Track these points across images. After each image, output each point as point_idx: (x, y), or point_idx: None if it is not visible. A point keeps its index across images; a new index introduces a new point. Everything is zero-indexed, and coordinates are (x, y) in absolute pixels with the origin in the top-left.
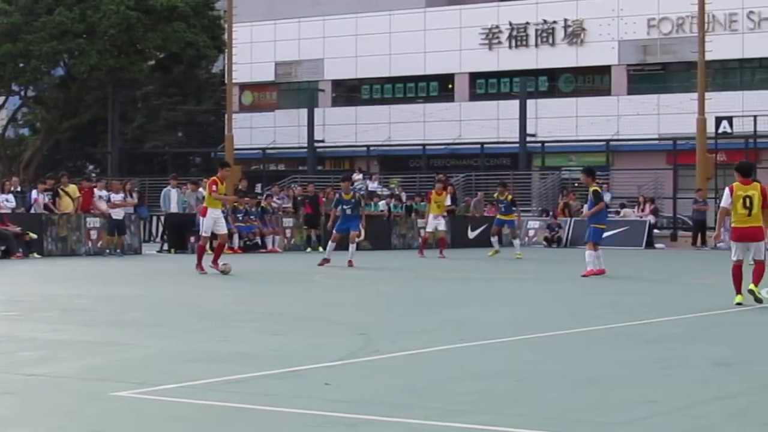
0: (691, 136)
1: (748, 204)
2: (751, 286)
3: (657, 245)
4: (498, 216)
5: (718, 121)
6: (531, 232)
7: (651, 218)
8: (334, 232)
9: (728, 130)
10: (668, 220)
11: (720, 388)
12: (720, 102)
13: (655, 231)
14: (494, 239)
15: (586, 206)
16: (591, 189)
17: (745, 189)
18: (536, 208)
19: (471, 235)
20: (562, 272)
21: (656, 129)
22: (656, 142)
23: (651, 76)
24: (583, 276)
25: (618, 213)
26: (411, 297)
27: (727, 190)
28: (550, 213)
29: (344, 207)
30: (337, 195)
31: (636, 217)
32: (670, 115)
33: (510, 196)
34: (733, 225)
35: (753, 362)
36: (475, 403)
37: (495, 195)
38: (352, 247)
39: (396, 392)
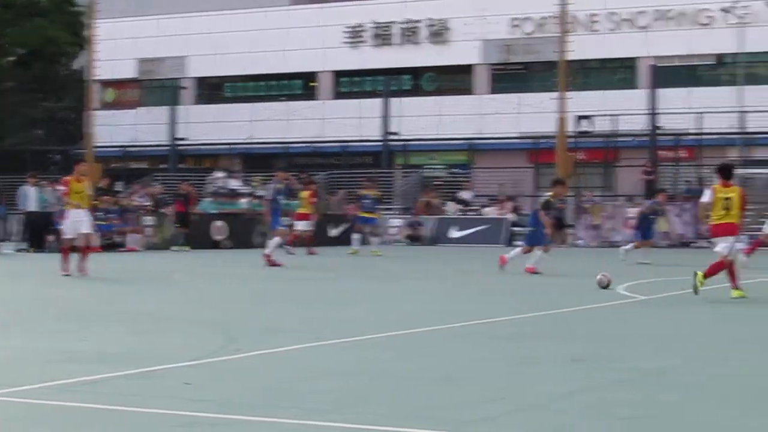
0: (552, 135)
1: (727, 206)
2: (700, 273)
3: (517, 243)
4: (362, 214)
5: (578, 119)
6: (393, 230)
7: (511, 216)
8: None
9: (588, 129)
10: (528, 217)
11: (576, 383)
12: (580, 101)
13: (516, 229)
14: (357, 237)
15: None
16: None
17: (726, 192)
18: (398, 206)
19: (332, 233)
20: (423, 270)
21: (518, 128)
22: (517, 140)
23: (513, 76)
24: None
25: (479, 211)
26: (274, 295)
27: (709, 190)
28: (412, 211)
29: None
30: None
31: (496, 215)
32: (532, 114)
33: (377, 192)
34: (712, 223)
35: (608, 358)
36: (330, 402)
37: (361, 191)
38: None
39: (255, 391)
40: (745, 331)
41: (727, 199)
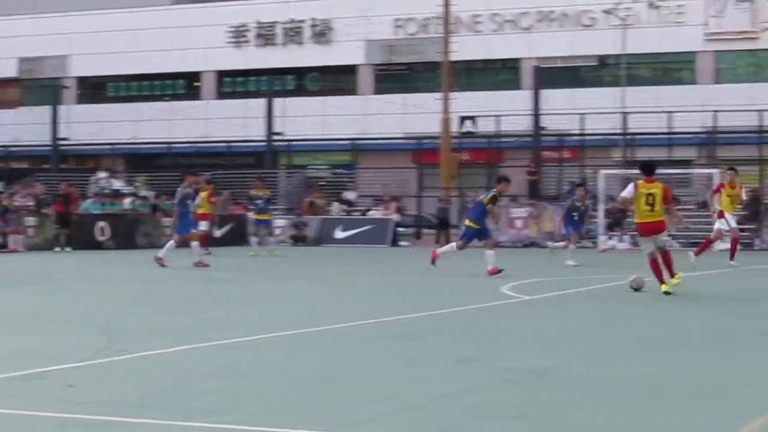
0: (436, 135)
1: (651, 201)
2: (674, 280)
3: (401, 243)
4: (255, 216)
5: (462, 120)
6: (277, 231)
7: (395, 216)
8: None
9: (472, 129)
10: (413, 218)
11: (460, 383)
12: (464, 102)
13: (400, 229)
14: (254, 239)
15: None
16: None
17: (649, 187)
18: (282, 207)
19: (217, 233)
20: (311, 271)
21: (402, 128)
22: (402, 141)
23: (397, 76)
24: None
25: (363, 212)
26: (161, 296)
27: (631, 185)
28: (296, 211)
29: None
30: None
31: (381, 216)
32: (416, 114)
33: (268, 192)
34: (637, 221)
35: (495, 358)
36: (217, 403)
37: (251, 191)
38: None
39: (140, 392)
40: (625, 330)
41: (650, 194)
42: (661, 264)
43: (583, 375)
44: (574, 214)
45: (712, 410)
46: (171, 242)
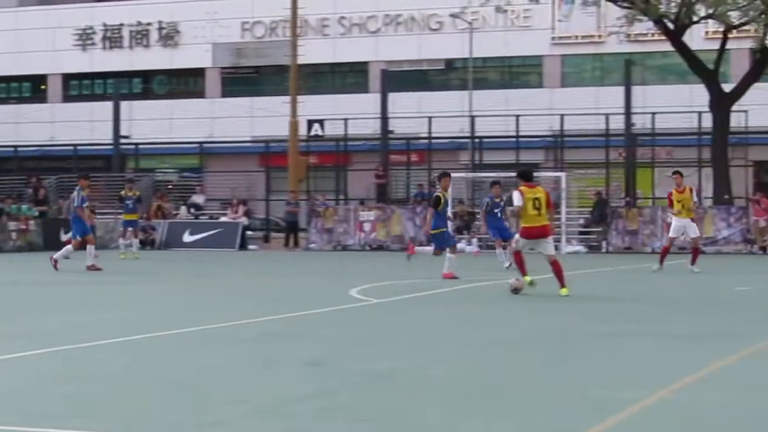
0: (284, 138)
1: (537, 205)
2: (563, 291)
3: (250, 247)
4: (125, 217)
5: (310, 123)
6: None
7: (244, 220)
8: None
9: (320, 132)
10: (261, 221)
11: (311, 386)
12: (312, 105)
13: (248, 233)
14: (123, 241)
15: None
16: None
17: (533, 192)
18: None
19: (64, 237)
20: (158, 274)
21: (250, 131)
22: (249, 144)
23: (245, 79)
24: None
25: (212, 215)
26: (8, 301)
27: (517, 193)
28: (144, 215)
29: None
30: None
31: (229, 219)
32: (264, 117)
33: (137, 192)
34: (523, 225)
35: (344, 360)
36: (67, 407)
37: (122, 192)
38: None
39: None
40: (475, 332)
41: (536, 199)
42: (553, 273)
43: (431, 377)
44: (496, 210)
45: (560, 412)
46: (69, 247)
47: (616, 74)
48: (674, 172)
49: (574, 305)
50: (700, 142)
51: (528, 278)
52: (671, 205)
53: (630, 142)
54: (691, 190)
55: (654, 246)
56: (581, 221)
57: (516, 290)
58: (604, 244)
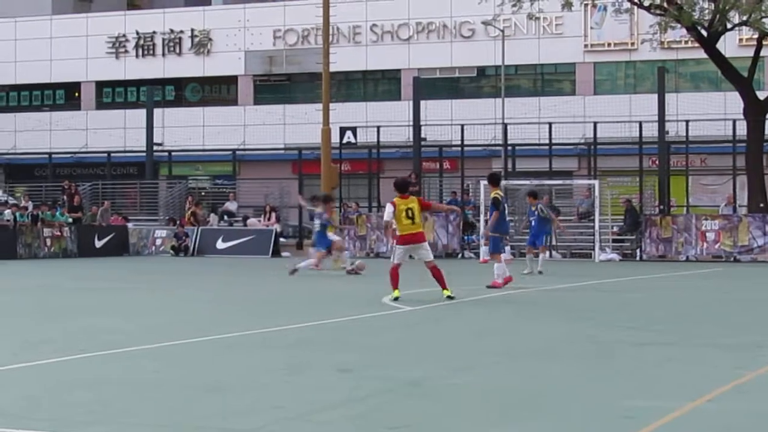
0: (316, 146)
1: (410, 215)
2: (445, 292)
3: (283, 254)
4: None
5: (342, 131)
6: (158, 241)
7: (277, 227)
8: None
9: (352, 140)
10: (294, 228)
11: (342, 393)
12: (344, 113)
13: (281, 240)
14: None
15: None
16: (491, 196)
17: (406, 203)
18: (163, 217)
19: (98, 244)
20: (190, 282)
21: (282, 138)
22: (282, 151)
23: (277, 87)
24: (489, 287)
25: (244, 222)
26: (37, 307)
27: (389, 206)
28: (177, 222)
29: None
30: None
31: (262, 227)
32: (296, 125)
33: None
34: (399, 234)
35: (377, 367)
36: (91, 413)
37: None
38: None
39: (12, 403)
40: (509, 340)
41: (408, 209)
42: (433, 277)
43: (461, 386)
44: (531, 219)
45: (592, 421)
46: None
47: (649, 82)
48: None
49: (603, 315)
50: (734, 149)
51: (397, 293)
52: None
53: (663, 150)
54: None
55: (689, 254)
56: (614, 229)
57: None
58: (638, 252)
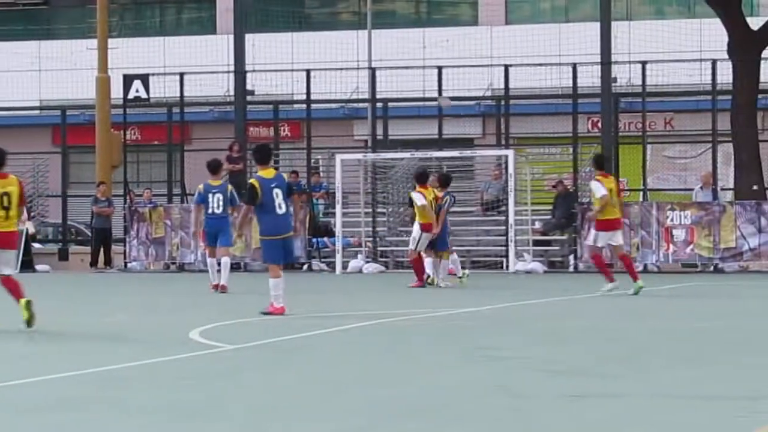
0: (89, 103)
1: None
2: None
3: (38, 267)
4: None
5: (128, 80)
6: None
7: (29, 226)
8: None
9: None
10: (55, 227)
11: None
12: (131, 53)
13: (35, 246)
14: None
15: None
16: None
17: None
18: None
19: None
20: None
21: (37, 94)
22: (37, 112)
23: (27, 15)
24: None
25: None
26: None
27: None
28: None
29: None
30: None
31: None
32: (57, 71)
33: None
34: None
35: None
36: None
37: None
38: None
39: None
40: (355, 396)
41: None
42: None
43: None
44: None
45: None
46: None
47: (587, 5)
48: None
49: (521, 353)
50: (714, 105)
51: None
52: None
53: (609, 106)
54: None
55: (647, 261)
56: (536, 225)
57: None
58: (571, 259)
